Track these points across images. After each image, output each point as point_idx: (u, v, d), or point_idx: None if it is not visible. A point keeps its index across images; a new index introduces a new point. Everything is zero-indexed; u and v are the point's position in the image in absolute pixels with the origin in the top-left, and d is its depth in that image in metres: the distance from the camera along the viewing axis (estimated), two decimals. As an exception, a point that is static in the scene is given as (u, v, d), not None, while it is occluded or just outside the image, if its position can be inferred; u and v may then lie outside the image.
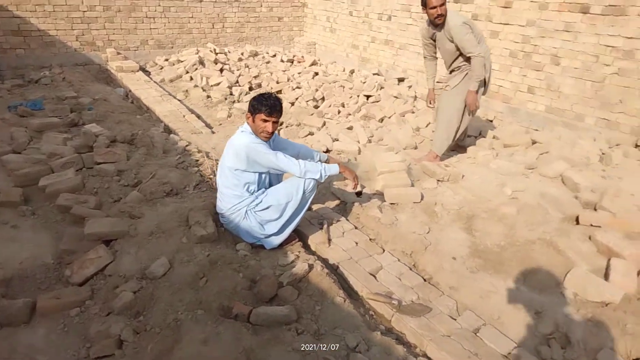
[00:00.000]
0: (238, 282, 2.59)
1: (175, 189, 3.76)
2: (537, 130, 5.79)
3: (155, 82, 7.74)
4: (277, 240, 3.05)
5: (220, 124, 6.27)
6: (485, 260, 2.91)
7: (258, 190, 3.03)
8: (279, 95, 7.43)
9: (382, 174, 3.84)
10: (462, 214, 3.43)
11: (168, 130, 5.71)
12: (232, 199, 2.96)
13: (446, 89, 4.38)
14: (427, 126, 5.98)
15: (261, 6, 10.46)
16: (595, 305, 2.49)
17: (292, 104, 7.03)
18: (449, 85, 4.34)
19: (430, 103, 4.73)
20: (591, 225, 3.11)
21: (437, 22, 4.06)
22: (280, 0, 10.66)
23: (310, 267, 2.77)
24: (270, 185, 3.16)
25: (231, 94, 7.35)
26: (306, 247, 3.24)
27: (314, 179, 2.97)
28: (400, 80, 8.29)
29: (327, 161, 3.41)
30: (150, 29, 9.18)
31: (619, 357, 2.25)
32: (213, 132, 5.76)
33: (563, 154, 4.50)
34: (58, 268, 2.86)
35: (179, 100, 6.95)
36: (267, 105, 2.80)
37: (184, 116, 6.16)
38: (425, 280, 2.87)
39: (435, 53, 4.52)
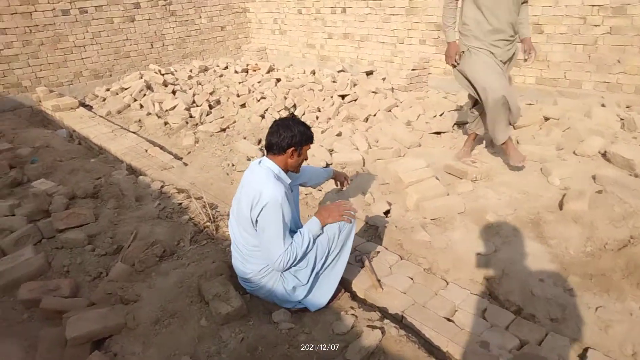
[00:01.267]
0: (298, 375, 1.92)
1: (168, 248, 3.00)
2: (531, 104, 5.41)
3: (100, 116, 6.81)
4: (323, 298, 2.39)
5: (189, 152, 5.49)
6: (581, 277, 2.38)
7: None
8: (247, 109, 6.78)
9: (411, 185, 3.25)
10: (522, 219, 2.90)
11: (132, 170, 4.88)
12: (262, 259, 2.28)
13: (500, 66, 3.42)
14: (418, 118, 5.49)
15: (200, 17, 9.66)
16: None
17: (262, 116, 6.34)
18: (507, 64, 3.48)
19: (457, 60, 3.54)
20: (680, 208, 2.68)
21: None
22: (220, 8, 9.89)
23: (382, 331, 2.14)
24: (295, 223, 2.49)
25: (191, 116, 6.55)
26: (353, 295, 2.60)
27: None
28: (369, 73, 7.77)
29: (334, 177, 2.88)
30: (83, 58, 8.19)
31: None
32: (185, 164, 4.98)
33: (586, 126, 4.10)
34: (39, 395, 2.08)
35: (134, 133, 6.10)
36: (311, 132, 2.34)
37: (146, 150, 5.33)
38: (515, 314, 2.31)
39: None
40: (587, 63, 5.25)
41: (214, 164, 4.86)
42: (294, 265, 2.26)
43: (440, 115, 5.48)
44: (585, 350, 2.05)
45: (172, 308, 2.36)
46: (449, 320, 2.32)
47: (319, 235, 2.29)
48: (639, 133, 4.03)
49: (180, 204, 3.73)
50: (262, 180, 2.20)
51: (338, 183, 2.93)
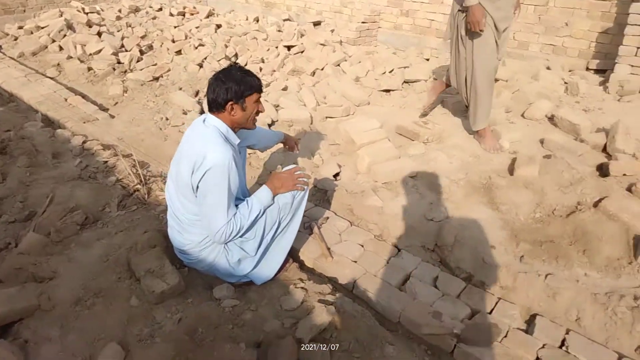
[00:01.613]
0: (243, 359, 1.74)
1: (91, 214, 2.65)
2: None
3: (11, 58, 5.97)
4: (271, 270, 2.20)
5: (117, 103, 4.94)
6: (531, 244, 2.36)
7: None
8: (183, 57, 6.20)
9: (363, 146, 3.07)
10: (474, 184, 2.83)
11: (49, 122, 4.32)
12: (203, 229, 2.02)
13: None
14: (367, 74, 5.27)
15: (130, -52, 8.60)
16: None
17: (200, 65, 5.84)
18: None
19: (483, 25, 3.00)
20: (624, 175, 2.70)
21: None
22: (153, -61, 8.85)
23: (335, 306, 1.99)
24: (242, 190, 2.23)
25: (119, 62, 5.90)
26: (301, 265, 2.44)
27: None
28: (316, 24, 7.38)
29: (284, 141, 2.66)
30: (-12, -12, 7.09)
31: None
32: (112, 117, 4.48)
33: (534, 89, 4.08)
34: None
35: (52, 79, 5.41)
36: (255, 79, 2.00)
37: (65, 99, 4.74)
38: (466, 281, 2.26)
39: None
40: (536, 24, 5.22)
41: (146, 117, 4.41)
42: (239, 237, 2.04)
43: (390, 72, 5.30)
44: (533, 316, 2.04)
45: (96, 286, 2.07)
46: (400, 290, 2.23)
47: (269, 206, 2.06)
48: (581, 97, 4.09)
49: (106, 162, 3.33)
50: (207, 141, 1.92)
51: (287, 147, 2.70)
